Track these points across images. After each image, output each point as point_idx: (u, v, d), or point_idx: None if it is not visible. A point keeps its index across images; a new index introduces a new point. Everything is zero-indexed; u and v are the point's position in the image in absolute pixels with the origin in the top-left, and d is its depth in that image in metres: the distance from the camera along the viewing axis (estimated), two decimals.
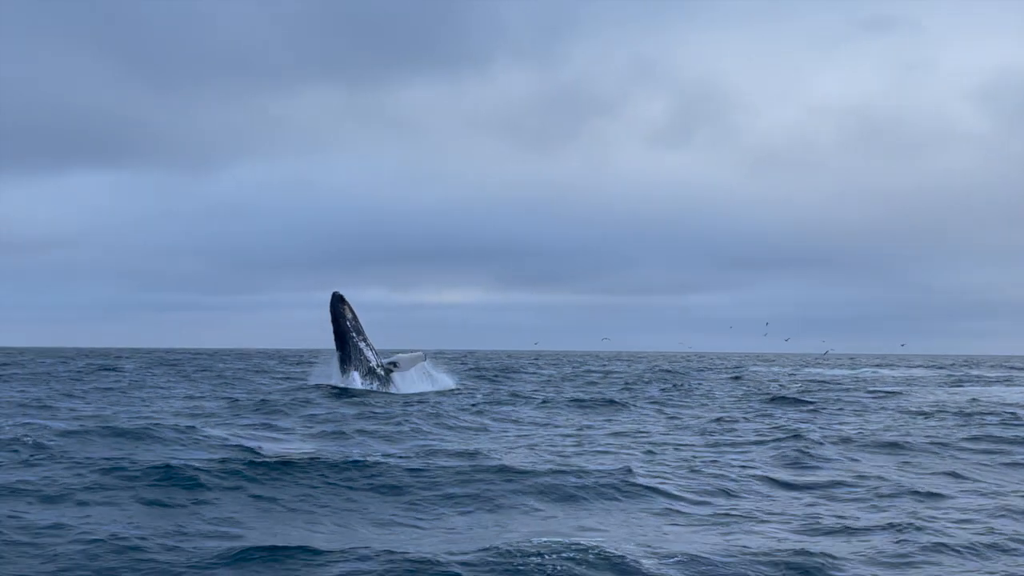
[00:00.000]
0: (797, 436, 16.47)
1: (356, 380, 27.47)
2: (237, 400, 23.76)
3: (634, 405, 24.05)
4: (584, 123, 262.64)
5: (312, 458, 11.96)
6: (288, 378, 36.46)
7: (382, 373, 28.03)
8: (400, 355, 29.67)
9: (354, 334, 27.68)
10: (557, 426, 18.48)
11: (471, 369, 50.00)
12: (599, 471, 11.65)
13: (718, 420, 19.81)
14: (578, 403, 24.35)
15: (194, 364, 54.56)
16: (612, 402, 24.67)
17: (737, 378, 42.17)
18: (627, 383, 36.33)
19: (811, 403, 25.36)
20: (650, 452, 14.32)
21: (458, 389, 29.79)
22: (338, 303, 27.68)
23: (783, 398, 26.87)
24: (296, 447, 13.94)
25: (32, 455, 11.96)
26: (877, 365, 77.71)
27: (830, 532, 8.96)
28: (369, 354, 27.99)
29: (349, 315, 27.87)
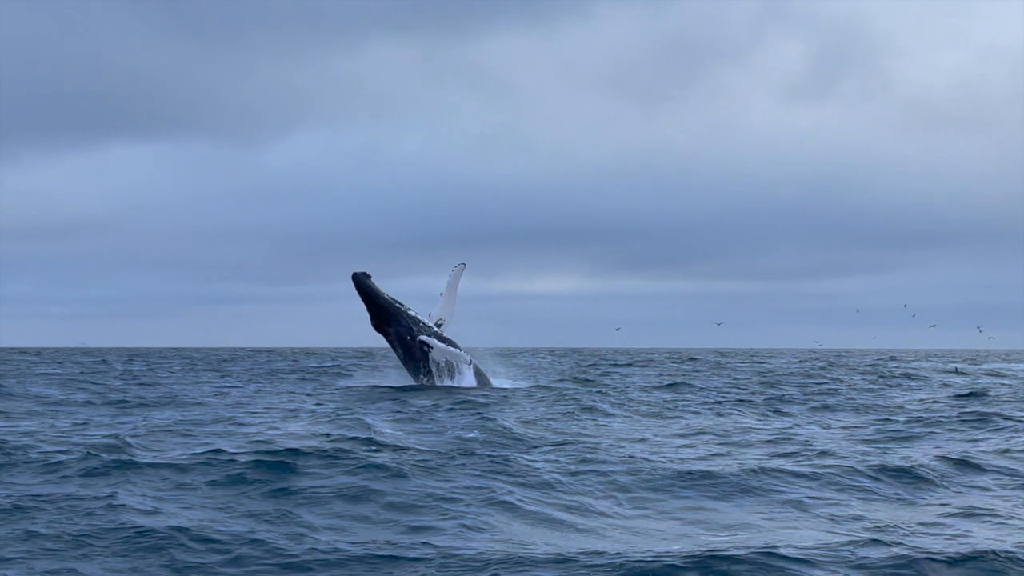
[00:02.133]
0: (997, 429, 16.06)
1: (441, 348, 27.55)
2: (316, 396, 24.46)
3: (783, 404, 23.80)
4: (704, 75, 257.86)
5: (423, 450, 12.26)
6: (376, 369, 37.40)
7: (444, 335, 28.30)
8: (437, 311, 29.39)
9: (399, 305, 28.00)
10: (690, 423, 18.45)
11: (580, 367, 50.12)
12: (762, 467, 11.71)
13: (885, 420, 19.42)
14: (715, 402, 24.24)
15: (253, 361, 56.31)
16: (751, 402, 24.49)
17: (907, 375, 41.18)
18: (766, 381, 35.88)
19: (1005, 400, 24.60)
20: (811, 451, 14.17)
21: (555, 387, 29.88)
22: (366, 279, 27.94)
23: (967, 394, 26.13)
24: (408, 439, 14.29)
25: (106, 458, 12.57)
26: None
27: None
28: (424, 320, 28.26)
29: (381, 289, 28.14)
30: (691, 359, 71.07)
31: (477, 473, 10.91)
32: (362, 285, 27.91)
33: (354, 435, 13.73)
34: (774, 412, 20.67)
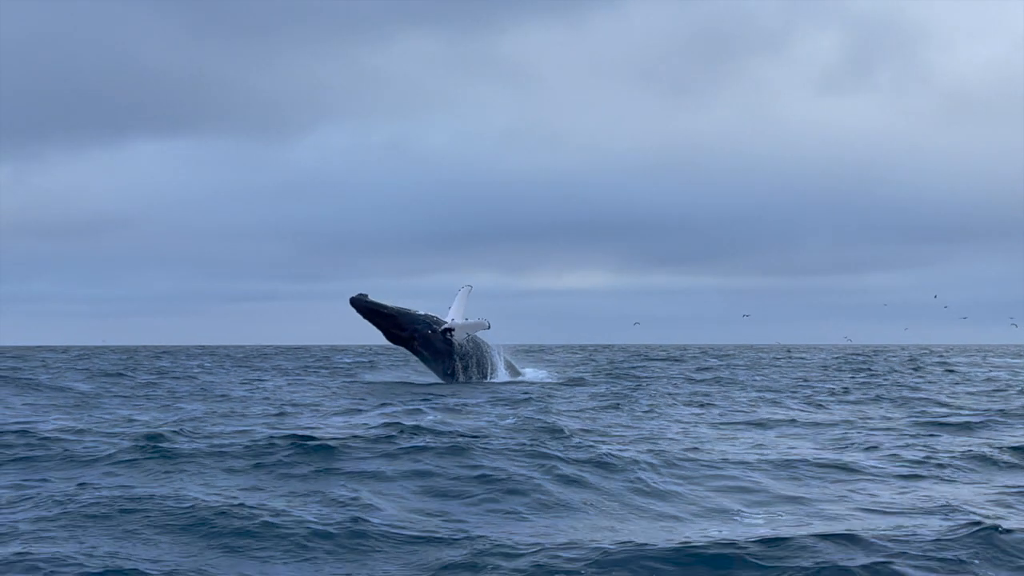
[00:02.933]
0: None
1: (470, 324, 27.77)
2: (349, 388, 24.63)
3: (825, 396, 23.75)
4: (736, 67, 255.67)
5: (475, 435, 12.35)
6: (406, 363, 37.62)
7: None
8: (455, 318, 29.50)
9: (407, 309, 27.85)
10: (729, 414, 18.44)
11: (613, 362, 50.09)
12: (807, 457, 11.74)
13: (926, 412, 19.31)
14: (756, 395, 24.21)
15: (283, 358, 56.68)
16: (793, 394, 24.44)
17: (949, 369, 40.83)
18: (804, 375, 35.73)
19: None
20: (856, 440, 14.14)
21: (586, 381, 29.88)
22: (365, 298, 27.51)
23: (1005, 389, 25.88)
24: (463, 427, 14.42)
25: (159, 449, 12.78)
26: None
27: None
28: (437, 315, 28.16)
29: (384, 301, 27.80)
30: (726, 355, 70.78)
31: (517, 453, 10.99)
32: (364, 305, 27.45)
33: (395, 421, 13.85)
34: (816, 405, 20.59)
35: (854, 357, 60.64)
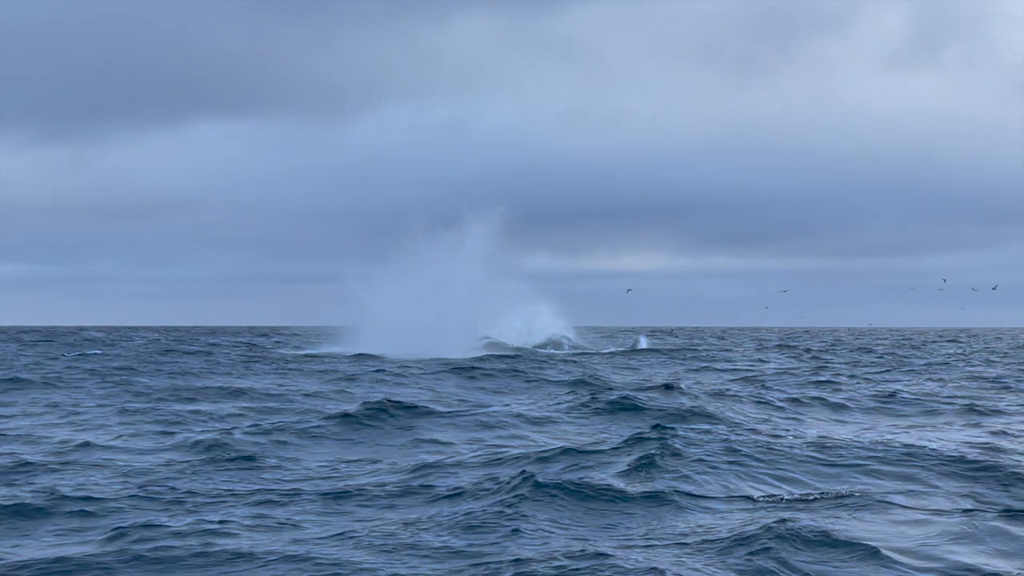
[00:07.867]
0: None
1: None
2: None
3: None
4: (801, 44, 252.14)
5: None
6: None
7: None
8: None
9: None
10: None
11: (690, 341, 51.27)
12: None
13: None
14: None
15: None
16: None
17: None
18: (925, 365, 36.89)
19: None
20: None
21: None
22: None
23: None
24: None
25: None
26: None
27: None
28: None
29: None
30: (814, 334, 71.09)
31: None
32: None
33: None
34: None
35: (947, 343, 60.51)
